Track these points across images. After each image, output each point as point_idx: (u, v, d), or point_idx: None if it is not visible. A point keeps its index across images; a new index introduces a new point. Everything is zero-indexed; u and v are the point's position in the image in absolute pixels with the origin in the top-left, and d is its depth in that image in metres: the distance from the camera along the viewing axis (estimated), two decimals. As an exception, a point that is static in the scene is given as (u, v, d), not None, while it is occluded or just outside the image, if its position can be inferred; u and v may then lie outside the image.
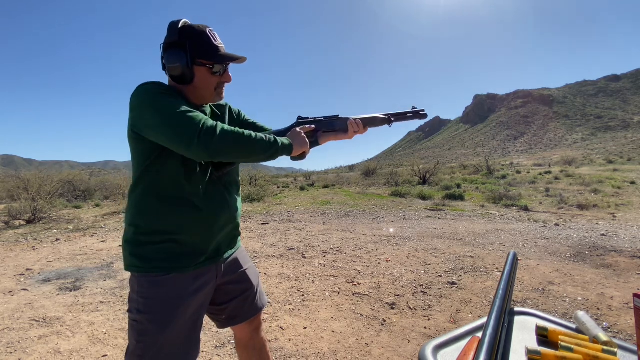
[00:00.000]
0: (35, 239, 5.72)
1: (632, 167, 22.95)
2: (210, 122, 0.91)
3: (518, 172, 22.09)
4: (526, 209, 8.45)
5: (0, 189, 12.17)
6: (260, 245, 4.88)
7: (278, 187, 17.32)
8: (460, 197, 10.61)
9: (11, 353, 2.10)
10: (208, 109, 1.14)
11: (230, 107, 1.26)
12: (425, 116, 1.33)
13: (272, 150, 1.00)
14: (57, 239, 5.64)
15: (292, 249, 4.64)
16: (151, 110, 0.91)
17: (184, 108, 0.91)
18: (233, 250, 1.19)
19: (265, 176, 20.66)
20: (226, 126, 0.93)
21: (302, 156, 1.16)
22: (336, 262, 3.97)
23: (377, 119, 1.27)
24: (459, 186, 13.57)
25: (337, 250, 4.51)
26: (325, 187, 16.47)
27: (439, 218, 7.28)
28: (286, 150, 1.04)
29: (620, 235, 5.13)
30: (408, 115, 1.31)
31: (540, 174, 19.32)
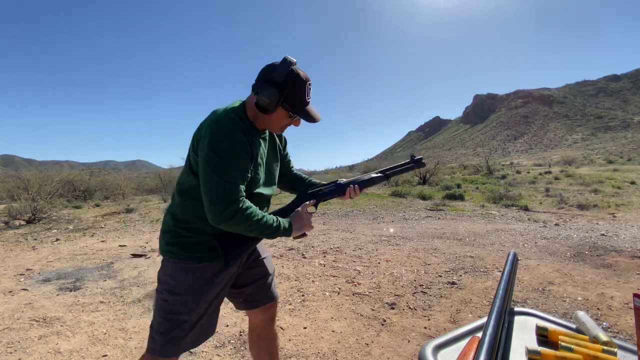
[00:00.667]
0: (35, 239, 5.72)
1: (632, 167, 22.95)
2: (238, 205, 1.02)
3: (518, 172, 22.09)
4: (526, 209, 8.46)
5: (0, 189, 12.17)
6: (260, 245, 4.88)
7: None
8: (460, 197, 10.61)
9: (11, 353, 2.10)
10: (267, 137, 1.25)
11: (284, 137, 1.41)
12: (424, 165, 1.39)
13: (273, 235, 1.11)
14: (57, 239, 5.64)
15: (292, 249, 4.64)
16: (212, 158, 1.01)
17: (233, 176, 1.02)
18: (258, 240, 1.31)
19: (265, 176, 20.64)
20: (248, 210, 1.04)
21: (302, 236, 1.23)
22: (336, 262, 3.97)
23: (374, 180, 1.36)
24: (459, 186, 13.57)
25: (337, 250, 4.51)
26: (325, 187, 16.42)
27: (439, 218, 7.28)
28: (286, 233, 1.14)
29: (620, 235, 5.13)
30: (406, 167, 1.37)
31: (540, 174, 19.32)
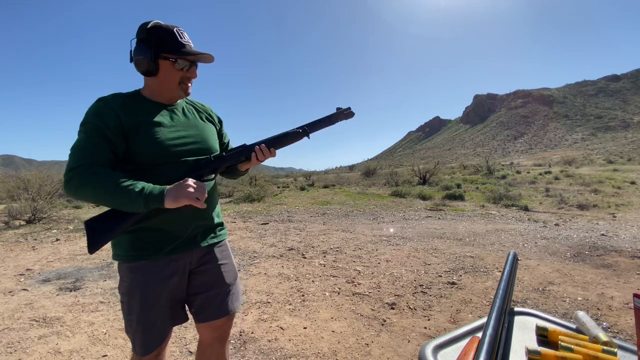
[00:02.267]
0: (35, 239, 5.72)
1: (632, 167, 22.95)
2: (76, 171, 0.98)
3: (518, 172, 22.09)
4: (526, 209, 8.45)
5: (0, 189, 12.17)
6: (260, 245, 4.88)
7: (278, 187, 17.31)
8: (460, 197, 10.61)
9: (11, 353, 2.10)
10: (180, 107, 1.20)
11: (214, 113, 1.33)
12: (351, 114, 1.24)
13: (134, 202, 0.97)
14: (57, 239, 5.64)
15: (292, 249, 4.64)
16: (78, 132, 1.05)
17: (82, 146, 1.01)
18: (210, 242, 1.22)
19: (265, 176, 20.67)
20: (89, 174, 0.97)
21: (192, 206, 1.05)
22: (336, 262, 3.97)
23: (287, 136, 1.19)
24: (459, 186, 13.57)
25: (337, 250, 4.51)
26: (325, 187, 16.47)
27: (439, 218, 7.28)
28: (154, 200, 0.98)
29: (620, 235, 5.13)
30: (331, 119, 1.22)
31: (540, 174, 19.31)
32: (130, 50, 1.10)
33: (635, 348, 0.77)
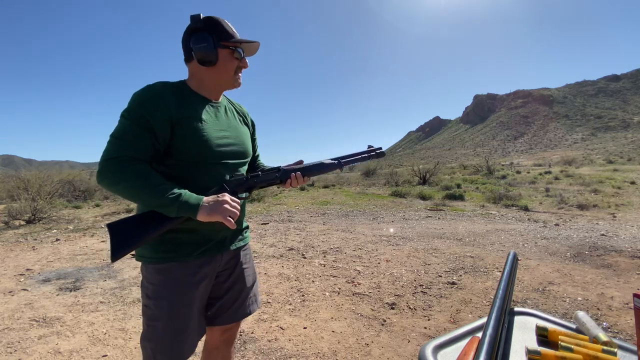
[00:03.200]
0: (35, 239, 5.72)
1: (632, 167, 22.95)
2: (114, 161, 0.93)
3: (518, 172, 22.09)
4: (526, 209, 8.46)
5: (0, 189, 12.17)
6: (260, 245, 4.89)
7: (278, 187, 17.30)
8: (460, 197, 10.61)
9: (11, 353, 2.10)
10: (222, 105, 1.17)
11: (250, 117, 1.31)
12: (382, 154, 1.29)
13: (167, 206, 0.94)
14: (57, 239, 5.64)
15: (292, 249, 4.64)
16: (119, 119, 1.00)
17: (123, 136, 0.95)
18: (238, 245, 1.19)
19: (265, 176, 20.62)
20: (127, 167, 0.93)
21: (221, 223, 1.01)
22: (336, 262, 3.97)
23: (322, 166, 1.21)
24: (459, 186, 13.57)
25: (337, 250, 4.51)
26: (325, 187, 16.47)
27: (439, 218, 7.28)
28: (188, 209, 0.94)
29: (620, 235, 5.13)
30: (363, 156, 1.27)
31: (540, 174, 19.32)
32: (186, 44, 1.07)
33: (635, 348, 0.77)
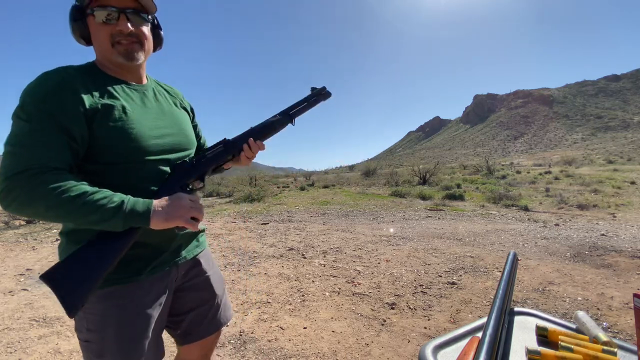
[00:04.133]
0: (35, 239, 5.72)
1: (632, 167, 22.95)
2: (31, 171, 0.70)
3: (518, 172, 22.09)
4: (526, 209, 8.45)
5: (0, 189, 12.16)
6: (260, 245, 4.89)
7: (278, 187, 17.31)
8: (460, 197, 10.61)
9: (11, 353, 2.11)
10: (150, 89, 0.96)
11: (186, 100, 1.12)
12: (328, 94, 1.12)
13: (108, 221, 0.74)
14: (57, 239, 5.64)
15: (292, 249, 4.64)
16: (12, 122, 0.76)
17: (27, 143, 0.72)
18: (195, 252, 1.04)
19: (265, 176, 20.68)
20: (49, 184, 0.70)
21: (181, 228, 0.86)
22: (336, 262, 3.97)
23: (273, 125, 1.04)
24: (459, 186, 13.57)
25: (337, 250, 4.51)
26: (325, 187, 16.47)
27: (439, 218, 7.28)
28: (137, 219, 0.76)
29: (620, 235, 5.13)
30: (310, 101, 1.10)
31: (540, 174, 19.32)
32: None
33: (635, 348, 0.77)
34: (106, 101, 0.81)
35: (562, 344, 0.75)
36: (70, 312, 0.76)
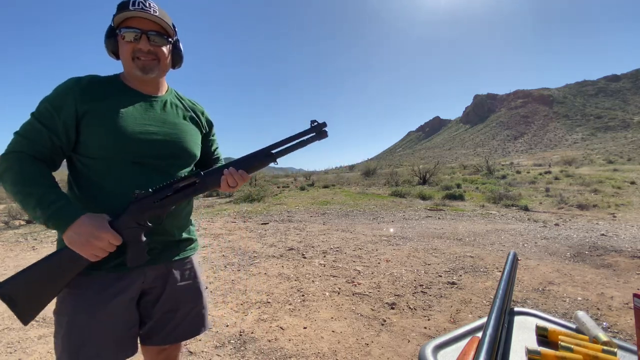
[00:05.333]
0: (35, 239, 5.72)
1: (632, 167, 22.94)
2: (14, 154, 0.87)
3: (518, 172, 22.09)
4: (526, 209, 8.46)
5: (1, 189, 12.17)
6: (260, 245, 4.89)
7: (278, 187, 17.31)
8: (460, 197, 10.61)
9: (11, 353, 2.11)
10: (162, 101, 1.05)
11: (206, 115, 1.19)
12: (324, 135, 1.03)
13: (35, 216, 0.84)
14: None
15: (292, 249, 4.64)
16: None
17: (22, 131, 0.89)
18: (169, 258, 1.04)
19: (265, 176, 20.67)
20: (19, 166, 0.85)
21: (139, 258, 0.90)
22: (336, 262, 3.97)
23: (252, 161, 1.00)
24: (459, 186, 13.57)
25: (337, 250, 4.51)
26: (325, 187, 16.47)
27: (439, 218, 7.28)
28: (57, 227, 0.85)
29: (620, 235, 5.13)
30: (301, 140, 1.02)
31: (540, 174, 19.32)
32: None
33: (635, 348, 0.77)
34: (99, 105, 0.92)
35: (562, 344, 0.75)
36: (24, 322, 0.85)
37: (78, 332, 0.89)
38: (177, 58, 1.09)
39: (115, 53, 1.02)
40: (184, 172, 1.06)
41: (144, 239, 0.90)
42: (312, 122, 1.03)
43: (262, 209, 9.18)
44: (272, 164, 1.04)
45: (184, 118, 1.09)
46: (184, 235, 1.09)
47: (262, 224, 6.84)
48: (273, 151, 1.02)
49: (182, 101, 1.13)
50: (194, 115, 1.13)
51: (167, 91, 1.10)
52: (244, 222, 7.21)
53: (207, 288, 1.17)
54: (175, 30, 1.04)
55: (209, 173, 0.98)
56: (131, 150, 0.94)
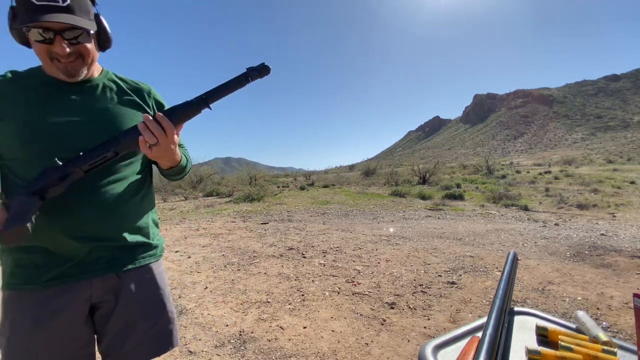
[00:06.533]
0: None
1: (632, 167, 22.95)
2: None
3: (518, 171, 22.10)
4: (526, 208, 8.46)
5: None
6: (260, 245, 4.89)
7: (278, 187, 17.32)
8: (460, 197, 10.62)
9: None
10: (93, 85, 0.91)
11: (154, 95, 1.02)
12: (266, 69, 0.89)
13: None
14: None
15: (292, 248, 4.64)
16: None
17: None
18: (122, 269, 0.90)
19: (265, 176, 20.68)
20: None
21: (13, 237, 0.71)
22: (336, 262, 3.97)
23: (181, 106, 0.83)
24: (458, 186, 13.58)
25: (337, 250, 4.51)
26: (325, 186, 16.48)
27: (438, 218, 7.28)
28: None
29: (620, 235, 5.13)
30: (240, 81, 0.87)
31: (540, 173, 19.33)
32: None
33: (635, 348, 0.77)
34: (8, 105, 0.82)
35: (562, 343, 0.75)
36: None
37: (20, 354, 0.80)
38: (104, 40, 0.91)
39: (23, 43, 0.84)
40: (129, 162, 0.91)
41: (33, 213, 0.73)
42: (248, 68, 0.89)
43: (262, 209, 9.18)
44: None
45: (120, 102, 0.93)
46: (139, 239, 0.93)
47: (262, 223, 6.84)
48: (204, 95, 0.85)
49: (122, 83, 0.98)
50: (137, 98, 0.97)
51: (101, 74, 0.95)
52: (244, 221, 7.21)
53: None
54: (94, 6, 0.85)
55: (124, 132, 0.81)
56: (46, 146, 0.81)
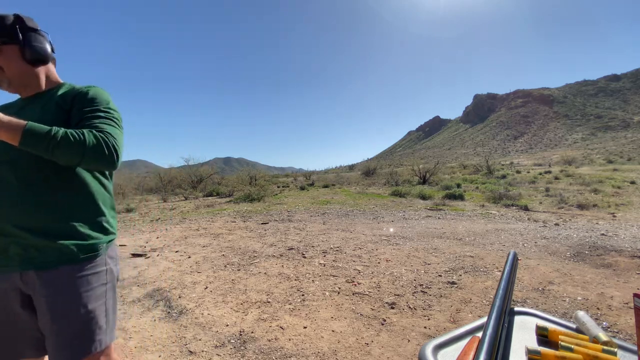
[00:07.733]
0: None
1: (632, 166, 22.94)
2: None
3: (518, 171, 22.09)
4: (526, 208, 8.46)
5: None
6: (260, 245, 4.89)
7: (278, 187, 17.32)
8: (460, 197, 10.61)
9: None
10: (41, 100, 1.00)
11: (72, 93, 1.01)
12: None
13: None
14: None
15: (292, 248, 4.64)
16: None
17: None
18: (31, 266, 0.89)
19: (265, 176, 20.68)
20: None
21: None
22: (336, 262, 3.97)
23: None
24: (458, 186, 13.57)
25: (337, 250, 4.51)
26: (325, 186, 16.48)
27: (439, 218, 7.28)
28: None
29: (620, 235, 5.13)
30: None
31: (540, 173, 19.32)
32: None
33: (635, 348, 0.77)
34: None
35: (562, 343, 0.75)
36: None
37: None
38: (32, 54, 0.94)
39: None
40: (35, 158, 0.90)
41: None
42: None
43: (262, 209, 9.18)
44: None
45: (53, 113, 0.95)
46: (47, 238, 0.89)
47: (262, 223, 6.84)
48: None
49: (60, 94, 1.00)
50: (60, 103, 0.98)
51: (55, 88, 1.02)
52: (244, 221, 7.21)
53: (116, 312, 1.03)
54: (16, 21, 0.91)
55: None
56: None
